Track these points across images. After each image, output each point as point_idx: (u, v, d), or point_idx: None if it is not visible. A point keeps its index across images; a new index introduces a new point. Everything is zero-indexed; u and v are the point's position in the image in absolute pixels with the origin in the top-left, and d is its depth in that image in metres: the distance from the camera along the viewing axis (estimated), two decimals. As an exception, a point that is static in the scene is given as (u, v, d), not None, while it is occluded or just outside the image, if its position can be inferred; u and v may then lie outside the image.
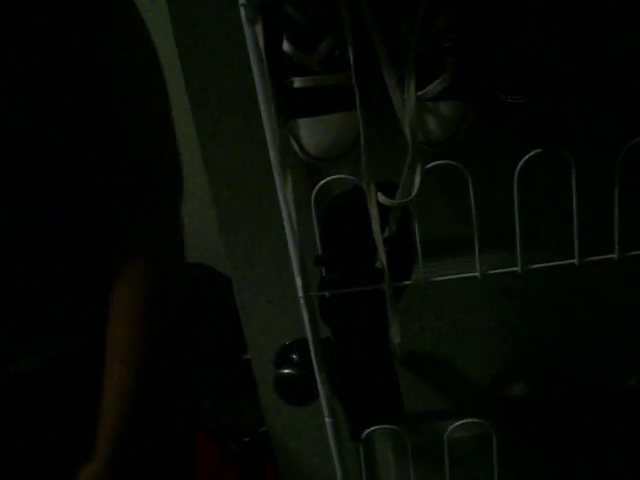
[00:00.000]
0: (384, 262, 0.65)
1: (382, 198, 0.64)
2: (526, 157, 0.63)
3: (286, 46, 0.61)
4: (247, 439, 1.42)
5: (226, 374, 1.38)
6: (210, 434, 1.57)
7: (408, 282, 0.68)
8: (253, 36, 0.61)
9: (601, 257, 0.67)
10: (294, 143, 0.65)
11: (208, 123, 0.76)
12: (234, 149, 0.76)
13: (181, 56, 0.75)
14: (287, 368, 0.75)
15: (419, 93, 0.61)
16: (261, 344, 0.81)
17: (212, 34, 0.73)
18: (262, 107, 0.63)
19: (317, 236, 0.67)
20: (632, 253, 0.66)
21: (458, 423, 0.73)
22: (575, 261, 0.67)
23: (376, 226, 0.65)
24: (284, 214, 0.66)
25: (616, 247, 0.66)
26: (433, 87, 0.61)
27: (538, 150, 0.63)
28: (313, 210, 0.66)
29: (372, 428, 0.73)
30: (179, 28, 0.74)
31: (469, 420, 0.72)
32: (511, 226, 0.66)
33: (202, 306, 1.37)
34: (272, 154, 0.64)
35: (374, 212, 0.64)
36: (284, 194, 0.65)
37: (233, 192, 0.77)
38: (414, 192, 0.63)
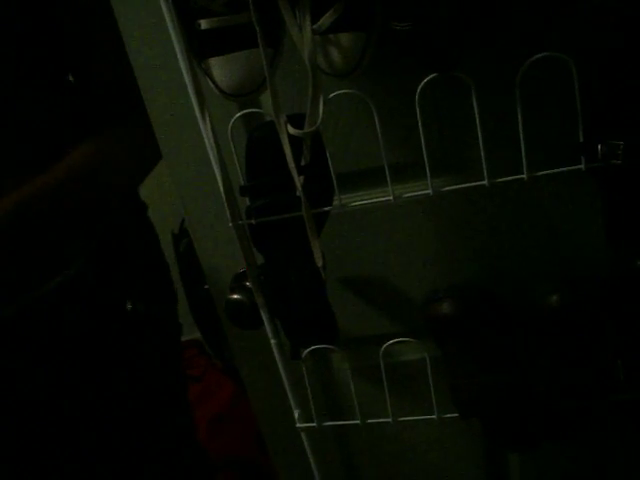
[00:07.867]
0: (300, 190, 0.70)
1: (291, 129, 0.68)
2: (425, 81, 0.65)
3: (188, -9, 0.66)
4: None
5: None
6: (229, 370, 1.67)
7: (325, 209, 0.72)
8: (161, -18, 0.66)
9: (510, 178, 0.68)
10: (210, 82, 0.69)
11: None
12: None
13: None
14: (237, 294, 0.81)
15: (314, 26, 0.65)
16: (217, 273, 0.88)
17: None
18: (177, 51, 0.69)
19: (238, 167, 0.72)
20: (540, 173, 0.68)
21: (391, 342, 0.77)
22: (485, 182, 0.69)
23: (289, 155, 0.69)
24: (207, 147, 0.72)
25: (524, 167, 0.67)
26: (325, 19, 0.64)
27: (434, 75, 0.65)
28: (231, 143, 0.71)
29: (310, 348, 0.79)
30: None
31: (400, 339, 0.76)
32: (420, 154, 0.68)
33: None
34: (191, 93, 0.70)
35: (285, 142, 0.69)
36: (204, 128, 0.71)
37: (177, 125, 0.83)
38: (318, 121, 0.67)
